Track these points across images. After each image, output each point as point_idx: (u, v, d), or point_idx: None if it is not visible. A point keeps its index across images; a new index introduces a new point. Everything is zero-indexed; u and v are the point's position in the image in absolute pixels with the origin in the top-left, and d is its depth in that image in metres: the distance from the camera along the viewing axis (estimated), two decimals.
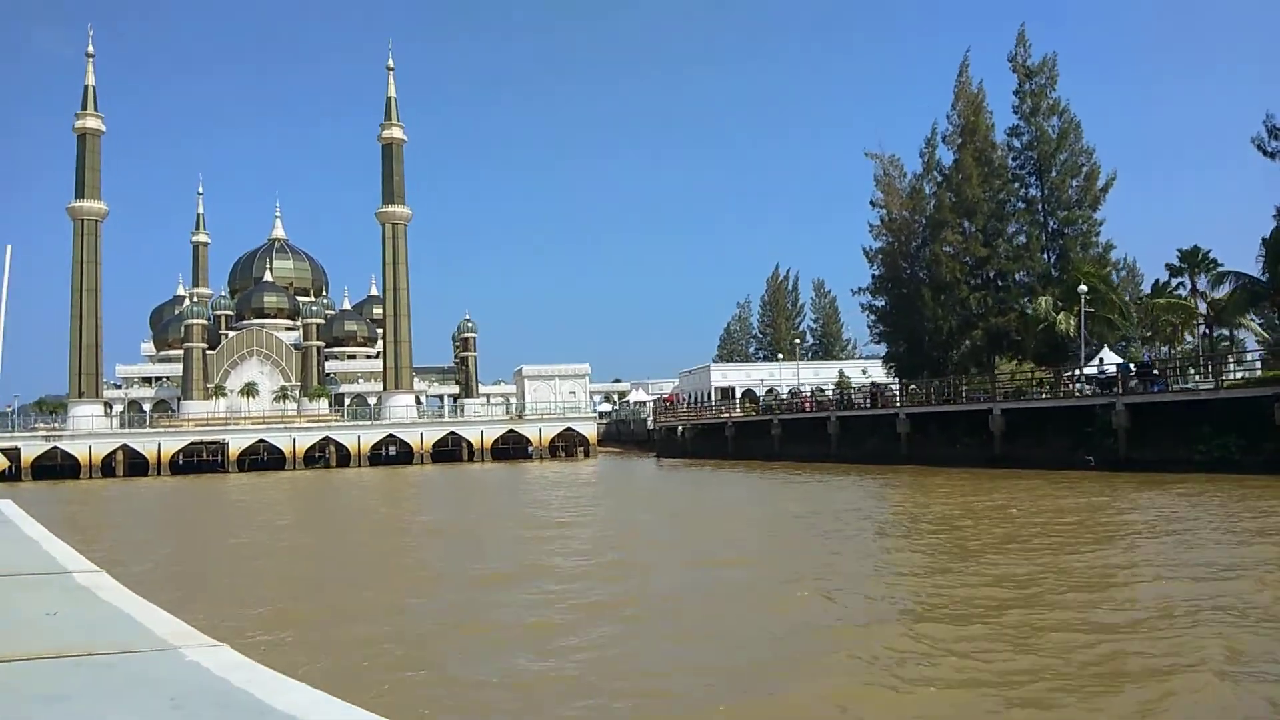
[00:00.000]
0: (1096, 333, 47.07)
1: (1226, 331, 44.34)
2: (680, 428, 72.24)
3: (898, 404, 49.08)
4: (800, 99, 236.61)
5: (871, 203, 59.25)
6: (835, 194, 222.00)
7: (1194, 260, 55.07)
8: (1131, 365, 39.86)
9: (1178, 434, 33.91)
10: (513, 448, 77.21)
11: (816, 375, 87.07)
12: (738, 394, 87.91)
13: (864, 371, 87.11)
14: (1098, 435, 36.44)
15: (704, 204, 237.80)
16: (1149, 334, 55.10)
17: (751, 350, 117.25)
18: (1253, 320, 43.38)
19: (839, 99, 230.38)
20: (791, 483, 38.86)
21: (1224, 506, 23.31)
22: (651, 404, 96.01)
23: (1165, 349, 57.15)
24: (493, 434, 76.17)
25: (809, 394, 62.42)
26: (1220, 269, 40.51)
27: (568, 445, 78.04)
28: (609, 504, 34.63)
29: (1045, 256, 52.59)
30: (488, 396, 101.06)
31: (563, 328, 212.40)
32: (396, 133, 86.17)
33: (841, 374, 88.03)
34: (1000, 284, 54.34)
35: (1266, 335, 42.53)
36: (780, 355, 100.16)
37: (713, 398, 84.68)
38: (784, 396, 68.72)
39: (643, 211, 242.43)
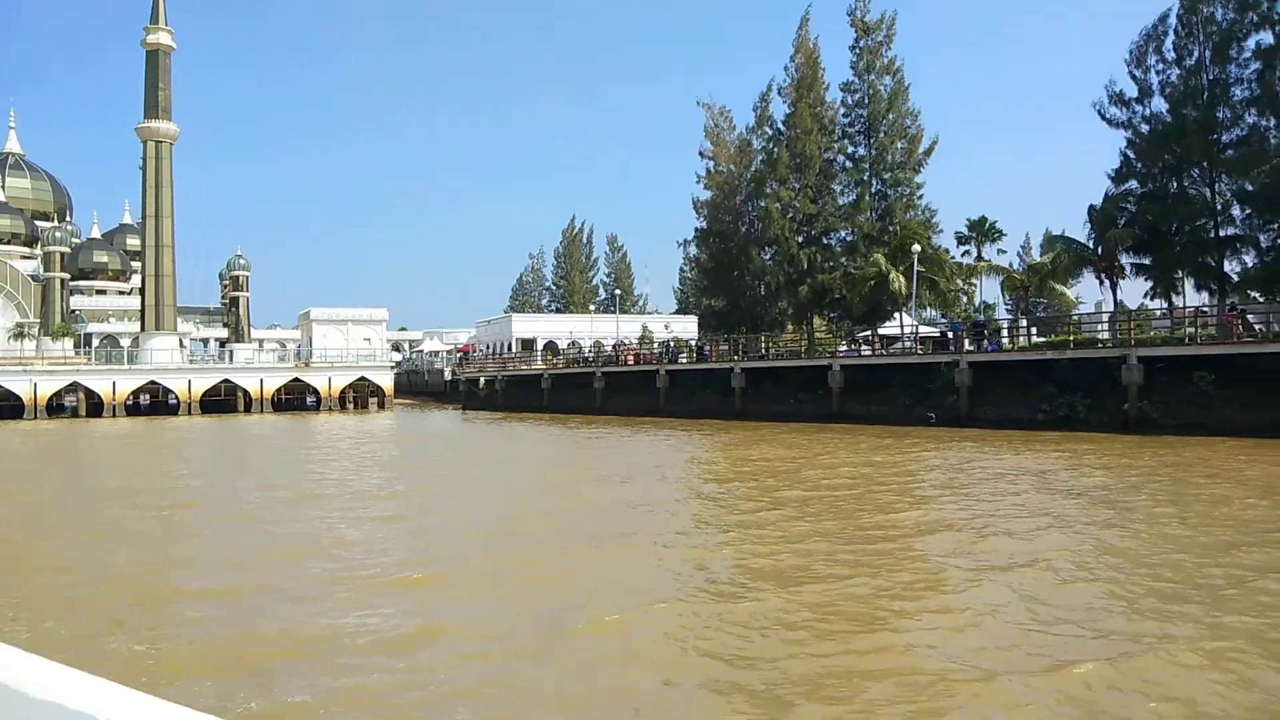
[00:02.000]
0: (919, 293, 47.74)
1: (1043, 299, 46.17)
2: (487, 379, 68.00)
3: (735, 358, 47.47)
4: (611, 52, 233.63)
5: (700, 153, 57.54)
6: (639, 148, 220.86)
7: (981, 229, 57.47)
8: (960, 324, 40.33)
9: (1020, 393, 34.33)
10: (297, 398, 69.84)
11: (619, 329, 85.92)
12: (539, 346, 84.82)
13: (666, 327, 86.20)
14: (939, 393, 36.44)
15: (501, 156, 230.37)
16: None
17: (544, 302, 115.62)
18: (1071, 286, 45.41)
19: (654, 53, 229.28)
20: (621, 439, 36.23)
21: (1048, 460, 23.34)
22: (446, 354, 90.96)
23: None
24: (274, 383, 68.41)
25: (631, 344, 60.06)
26: (1002, 236, 42.06)
27: (360, 396, 71.64)
28: (433, 472, 30.50)
29: (871, 216, 52.91)
30: (260, 342, 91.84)
31: (346, 274, 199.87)
32: (164, 38, 74.65)
33: (645, 329, 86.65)
34: (825, 241, 54.29)
35: (1074, 300, 44.65)
36: (572, 308, 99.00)
37: (513, 349, 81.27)
38: (588, 350, 66.54)
39: (438, 160, 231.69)
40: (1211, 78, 38.20)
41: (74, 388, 63.07)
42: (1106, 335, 36.61)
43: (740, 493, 19.63)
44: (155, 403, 66.10)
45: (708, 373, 47.91)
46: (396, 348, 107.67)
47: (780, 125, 55.09)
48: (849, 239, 54.03)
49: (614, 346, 57.31)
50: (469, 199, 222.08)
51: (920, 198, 52.35)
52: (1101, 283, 41.84)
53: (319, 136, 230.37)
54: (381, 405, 71.39)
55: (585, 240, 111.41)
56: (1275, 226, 37.04)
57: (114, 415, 61.88)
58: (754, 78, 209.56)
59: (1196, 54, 38.83)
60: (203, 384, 65.69)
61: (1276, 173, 35.20)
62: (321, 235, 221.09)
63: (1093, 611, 9.29)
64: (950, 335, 39.35)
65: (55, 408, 62.52)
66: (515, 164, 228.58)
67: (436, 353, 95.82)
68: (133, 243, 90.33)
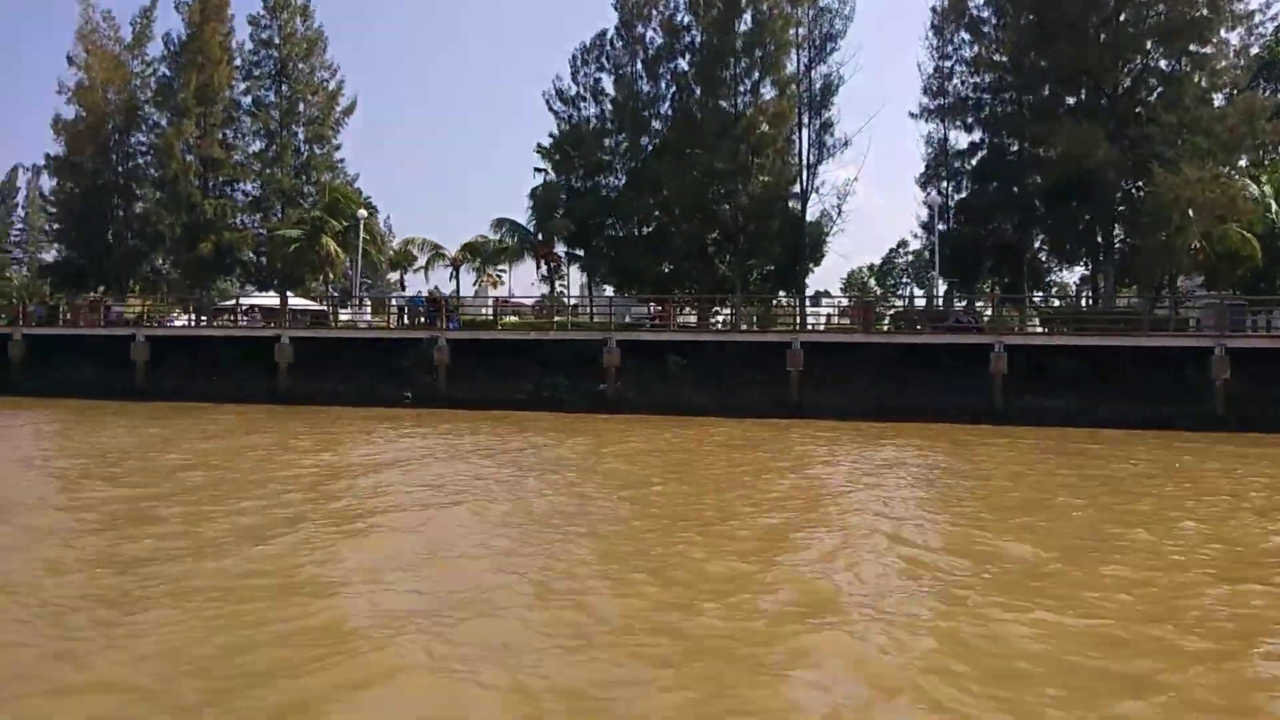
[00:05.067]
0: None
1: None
2: None
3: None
4: None
5: (70, 59, 44.69)
6: None
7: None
8: (423, 299, 38.29)
9: (502, 373, 33.61)
10: None
11: None
12: None
13: None
14: (418, 371, 33.86)
15: None
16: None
17: None
18: (499, 271, 46.06)
19: None
20: None
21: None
22: None
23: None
24: None
25: None
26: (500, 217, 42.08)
27: None
28: None
29: (288, 171, 47.01)
30: None
31: None
32: None
33: None
34: (229, 193, 46.73)
35: (498, 280, 45.65)
36: None
37: None
38: None
39: None
40: (644, 90, 42.56)
41: None
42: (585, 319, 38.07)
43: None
44: None
45: (84, 340, 37.40)
46: None
47: (175, 47, 45.71)
48: (256, 194, 47.36)
49: None
50: None
51: (341, 160, 48.41)
52: (539, 267, 43.56)
53: None
54: None
55: None
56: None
57: None
58: None
59: (629, 67, 42.88)
60: None
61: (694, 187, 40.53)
62: None
63: None
64: (410, 310, 37.03)
65: None
66: None
67: None
68: None
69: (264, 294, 47.89)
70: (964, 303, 41.61)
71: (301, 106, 46.71)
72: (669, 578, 9.83)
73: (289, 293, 43.70)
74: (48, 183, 48.02)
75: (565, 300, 43.57)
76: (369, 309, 42.69)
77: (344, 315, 41.01)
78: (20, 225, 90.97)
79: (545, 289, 48.23)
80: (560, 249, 42.91)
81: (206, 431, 24.23)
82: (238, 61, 46.66)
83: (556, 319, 36.65)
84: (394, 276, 53.63)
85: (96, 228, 45.99)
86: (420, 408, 32.58)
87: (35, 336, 37.43)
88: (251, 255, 45.62)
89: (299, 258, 42.19)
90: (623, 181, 43.92)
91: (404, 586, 9.54)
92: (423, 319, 36.75)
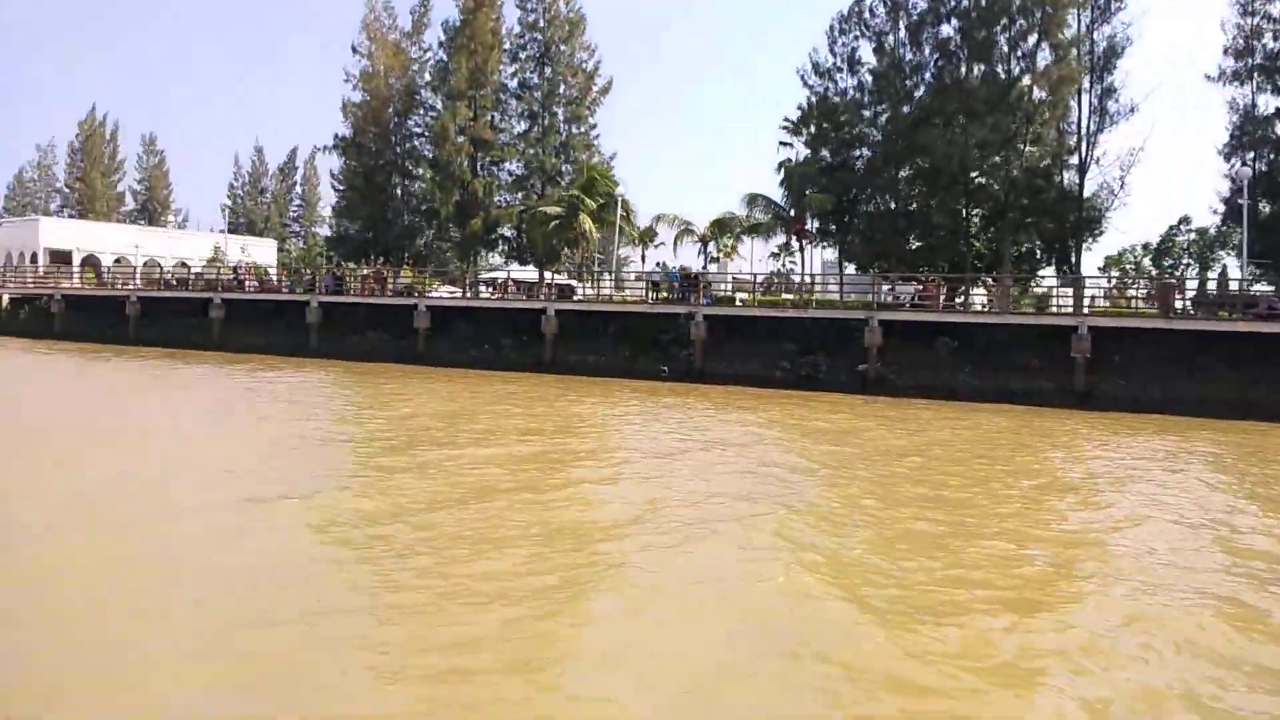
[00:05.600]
0: (603, 240, 45.43)
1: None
2: (21, 298, 51.74)
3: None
4: None
5: (354, 48, 48.66)
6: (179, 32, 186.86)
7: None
8: (678, 274, 38.72)
9: (758, 350, 33.48)
10: None
11: (174, 247, 73.32)
12: (76, 260, 68.33)
13: (244, 249, 74.31)
14: (674, 346, 34.37)
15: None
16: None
17: (55, 207, 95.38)
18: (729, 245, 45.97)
19: None
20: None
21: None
22: None
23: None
24: None
25: (244, 266, 49.40)
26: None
27: None
28: None
29: (549, 151, 48.90)
30: None
31: None
32: None
33: (219, 250, 73.77)
34: (495, 172, 49.28)
35: (733, 254, 45.45)
36: (91, 216, 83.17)
37: (38, 260, 64.39)
38: (158, 268, 54.59)
39: None
40: (906, 58, 40.76)
41: None
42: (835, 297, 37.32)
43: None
44: None
45: (374, 308, 40.71)
46: None
47: (450, 34, 48.55)
48: (519, 173, 49.62)
49: (235, 269, 46.65)
50: None
51: (598, 138, 49.75)
52: (788, 246, 42.94)
53: None
54: None
55: (109, 136, 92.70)
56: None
57: None
58: None
59: (893, 36, 41.18)
60: None
61: (959, 158, 38.40)
62: None
63: None
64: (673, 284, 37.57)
65: None
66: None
67: None
68: None
69: (523, 268, 50.37)
70: (1272, 288, 37.05)
71: (562, 88, 48.36)
72: None
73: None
74: (331, 162, 52.17)
75: (794, 277, 42.72)
76: (610, 283, 43.83)
77: (587, 291, 42.46)
78: (298, 202, 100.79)
79: (777, 266, 47.60)
80: (813, 225, 42.09)
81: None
82: (506, 45, 48.90)
83: (815, 296, 35.97)
84: (625, 253, 54.20)
85: (377, 204, 49.91)
86: (675, 381, 33.11)
87: (328, 304, 41.10)
88: (513, 231, 47.84)
89: (557, 234, 43.81)
90: (876, 155, 42.38)
91: None
92: (678, 294, 37.19)
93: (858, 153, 42.86)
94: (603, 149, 50.06)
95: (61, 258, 67.24)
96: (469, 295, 41.31)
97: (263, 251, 75.99)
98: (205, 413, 21.57)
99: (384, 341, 39.11)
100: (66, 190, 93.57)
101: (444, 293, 42.44)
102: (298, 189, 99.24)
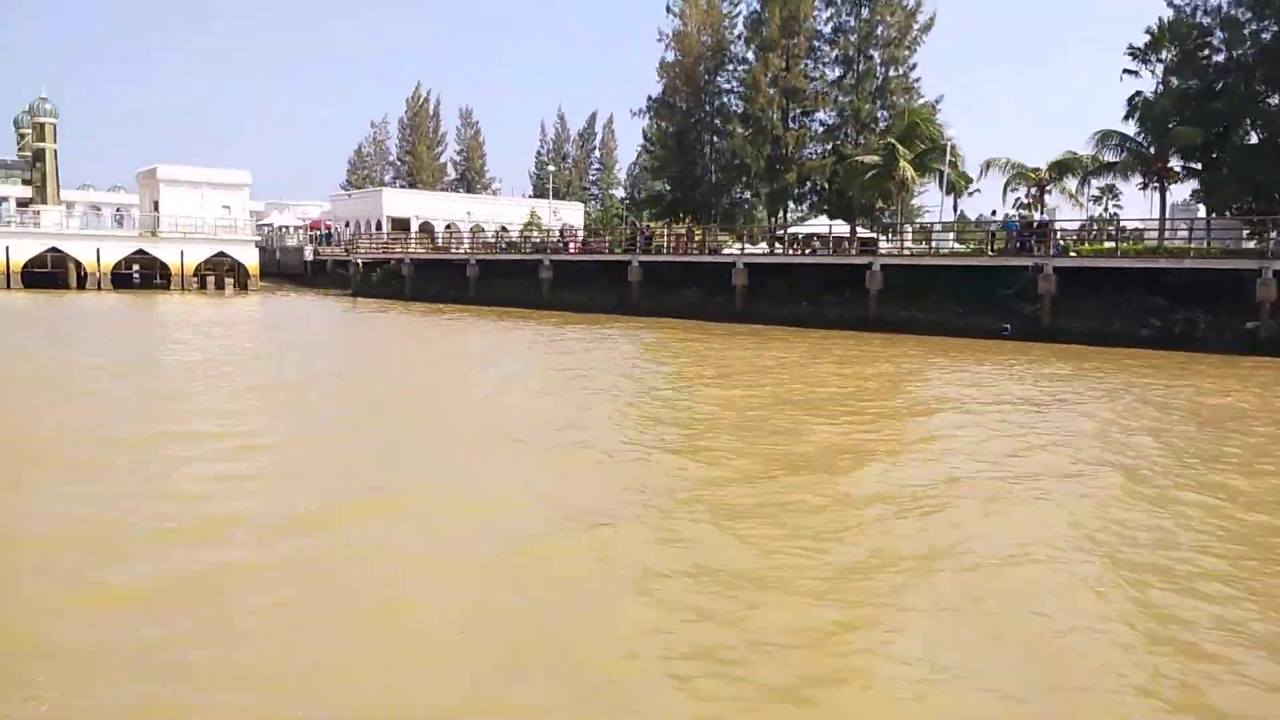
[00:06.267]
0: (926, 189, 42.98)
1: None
2: (375, 262, 57.91)
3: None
4: None
5: (667, 8, 49.11)
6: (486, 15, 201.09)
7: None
8: (1016, 224, 35.64)
9: (1119, 304, 30.11)
10: (140, 274, 57.17)
11: (498, 211, 79.10)
12: (414, 226, 75.51)
13: (555, 213, 78.18)
14: (1018, 301, 31.72)
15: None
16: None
17: (388, 179, 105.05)
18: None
19: None
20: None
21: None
22: (294, 229, 79.06)
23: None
24: (113, 254, 55.36)
25: (568, 230, 51.98)
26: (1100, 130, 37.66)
27: (218, 275, 59.62)
28: None
29: (865, 97, 46.69)
30: (68, 205, 75.58)
31: (152, 132, 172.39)
32: None
33: (534, 214, 78.17)
34: (806, 123, 47.98)
35: (1081, 202, 40.93)
36: (419, 185, 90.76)
37: (382, 227, 71.73)
38: (465, 233, 59.06)
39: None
40: None
41: None
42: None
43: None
44: None
45: (690, 266, 41.19)
46: None
47: None
48: (832, 122, 47.88)
49: (561, 231, 49.12)
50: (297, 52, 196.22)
51: (918, 80, 46.75)
52: (1146, 186, 38.19)
53: None
54: (243, 286, 59.85)
55: (432, 111, 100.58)
56: None
57: None
58: None
59: None
60: (22, 252, 51.86)
61: None
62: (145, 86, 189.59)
63: None
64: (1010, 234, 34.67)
65: None
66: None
67: (286, 228, 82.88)
68: None
69: (825, 223, 48.87)
70: None
71: (880, 29, 45.80)
72: None
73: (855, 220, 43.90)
74: (638, 125, 53.36)
75: (1113, 223, 37.80)
76: (909, 237, 41.28)
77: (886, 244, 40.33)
78: (597, 165, 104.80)
79: (1096, 210, 42.50)
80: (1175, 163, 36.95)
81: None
82: None
83: (1192, 245, 31.69)
84: (919, 203, 50.01)
85: (686, 162, 50.39)
86: (1019, 340, 30.52)
87: (647, 263, 42.04)
88: (824, 184, 46.38)
89: (875, 184, 41.86)
90: (1255, 79, 36.28)
91: None
92: (1014, 244, 34.25)
93: (1227, 79, 36.95)
94: (923, 91, 47.02)
95: (401, 225, 74.53)
96: (783, 252, 40.64)
97: (571, 214, 79.94)
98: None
99: (702, 297, 39.48)
100: (398, 163, 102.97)
101: (737, 250, 42.15)
102: (596, 153, 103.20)
